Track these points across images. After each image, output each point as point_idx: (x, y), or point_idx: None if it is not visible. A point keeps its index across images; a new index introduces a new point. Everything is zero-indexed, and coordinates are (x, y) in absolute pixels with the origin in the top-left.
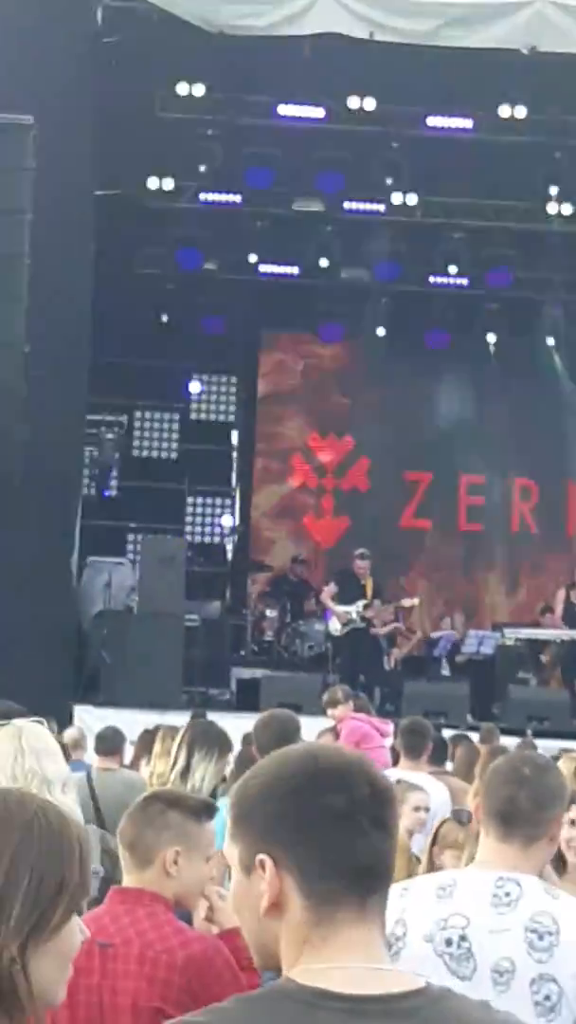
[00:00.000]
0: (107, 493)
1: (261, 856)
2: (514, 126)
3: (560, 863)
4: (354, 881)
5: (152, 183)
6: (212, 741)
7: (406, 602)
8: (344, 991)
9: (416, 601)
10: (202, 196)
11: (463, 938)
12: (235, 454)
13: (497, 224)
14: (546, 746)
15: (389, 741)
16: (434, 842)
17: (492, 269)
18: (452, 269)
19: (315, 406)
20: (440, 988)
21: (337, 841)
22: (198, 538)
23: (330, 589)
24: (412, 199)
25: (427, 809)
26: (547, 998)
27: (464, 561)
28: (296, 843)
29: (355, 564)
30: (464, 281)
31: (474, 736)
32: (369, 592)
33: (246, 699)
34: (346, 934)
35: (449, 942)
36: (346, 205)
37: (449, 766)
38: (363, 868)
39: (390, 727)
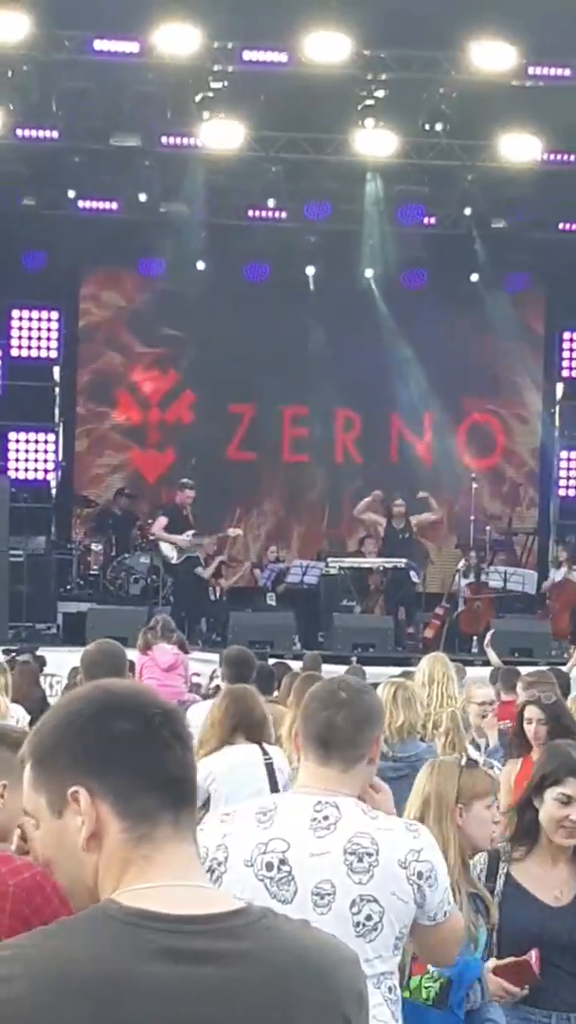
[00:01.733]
0: None
1: (74, 788)
2: (327, 58)
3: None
4: (167, 793)
5: None
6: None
7: (231, 532)
8: (167, 911)
9: (239, 531)
10: (19, 132)
11: (283, 862)
12: (58, 390)
13: (314, 157)
14: (372, 673)
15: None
16: None
17: (310, 202)
18: (270, 202)
19: (137, 341)
20: (260, 908)
21: (145, 757)
22: (21, 474)
23: (161, 521)
24: (230, 133)
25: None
26: (368, 918)
27: (288, 492)
28: (105, 768)
29: (179, 495)
30: (283, 214)
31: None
32: (192, 521)
33: (72, 633)
34: (167, 851)
35: (270, 866)
36: (164, 140)
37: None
38: (174, 779)
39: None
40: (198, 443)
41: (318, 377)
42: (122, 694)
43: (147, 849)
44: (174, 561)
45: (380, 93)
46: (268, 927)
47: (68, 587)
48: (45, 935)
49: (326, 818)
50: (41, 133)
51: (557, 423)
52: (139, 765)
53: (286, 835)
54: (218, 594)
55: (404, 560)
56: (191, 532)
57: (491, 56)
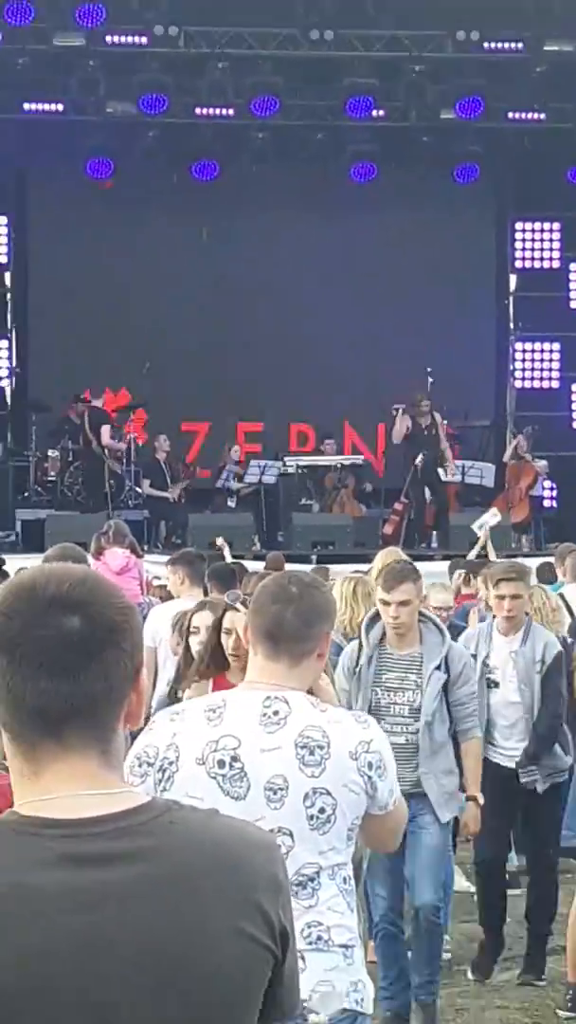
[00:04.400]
0: None
1: None
2: None
3: None
4: (35, 724)
5: None
6: None
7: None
8: (64, 816)
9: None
10: None
11: (235, 759)
12: (9, 295)
13: (260, 52)
14: (333, 571)
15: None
16: None
17: (258, 97)
18: (218, 99)
19: (88, 240)
20: (164, 802)
21: (11, 684)
22: None
23: (106, 430)
24: (174, 30)
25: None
26: (321, 811)
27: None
28: None
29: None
30: (231, 111)
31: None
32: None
33: (31, 540)
34: (55, 768)
35: (222, 763)
36: (108, 39)
37: None
38: (41, 709)
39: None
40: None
41: (270, 270)
42: (37, 599)
43: (35, 765)
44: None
45: None
46: (171, 821)
47: (26, 494)
48: None
49: (276, 712)
50: None
51: (511, 314)
52: (7, 689)
53: (236, 731)
54: (177, 497)
55: (361, 457)
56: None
57: None
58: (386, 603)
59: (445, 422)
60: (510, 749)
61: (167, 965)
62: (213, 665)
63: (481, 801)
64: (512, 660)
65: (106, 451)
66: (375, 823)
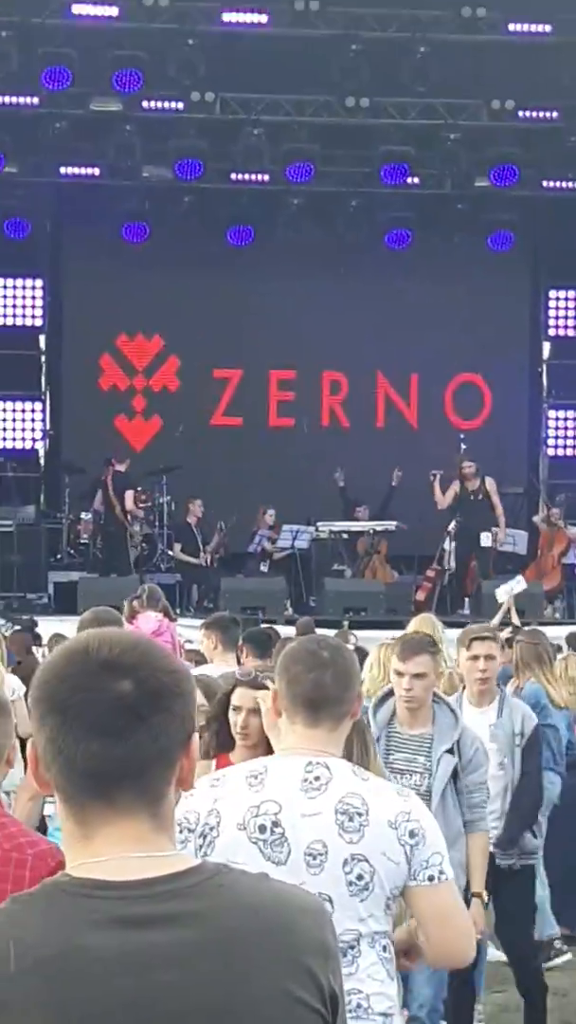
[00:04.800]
0: None
1: (29, 748)
2: (309, 19)
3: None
4: (86, 785)
5: None
6: None
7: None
8: (115, 879)
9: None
10: (0, 98)
11: (276, 824)
12: (43, 358)
13: (296, 119)
14: (364, 636)
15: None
16: None
17: (293, 163)
18: (253, 165)
19: (122, 307)
20: (214, 865)
21: (63, 746)
22: (9, 444)
23: (129, 494)
24: (210, 96)
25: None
26: (360, 877)
27: (275, 456)
28: (41, 743)
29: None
30: (266, 177)
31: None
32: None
33: (63, 602)
34: (105, 831)
35: (263, 828)
36: (144, 104)
37: None
38: (91, 772)
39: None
40: (184, 410)
41: (304, 339)
42: (92, 662)
43: (86, 829)
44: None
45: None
46: (220, 884)
47: (58, 556)
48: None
49: (317, 779)
50: (22, 99)
51: (545, 382)
52: (57, 751)
53: (278, 797)
54: (209, 561)
55: (395, 523)
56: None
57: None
58: (400, 674)
59: (496, 486)
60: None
61: None
62: (217, 744)
63: (486, 899)
64: (491, 734)
65: (128, 516)
66: (421, 902)
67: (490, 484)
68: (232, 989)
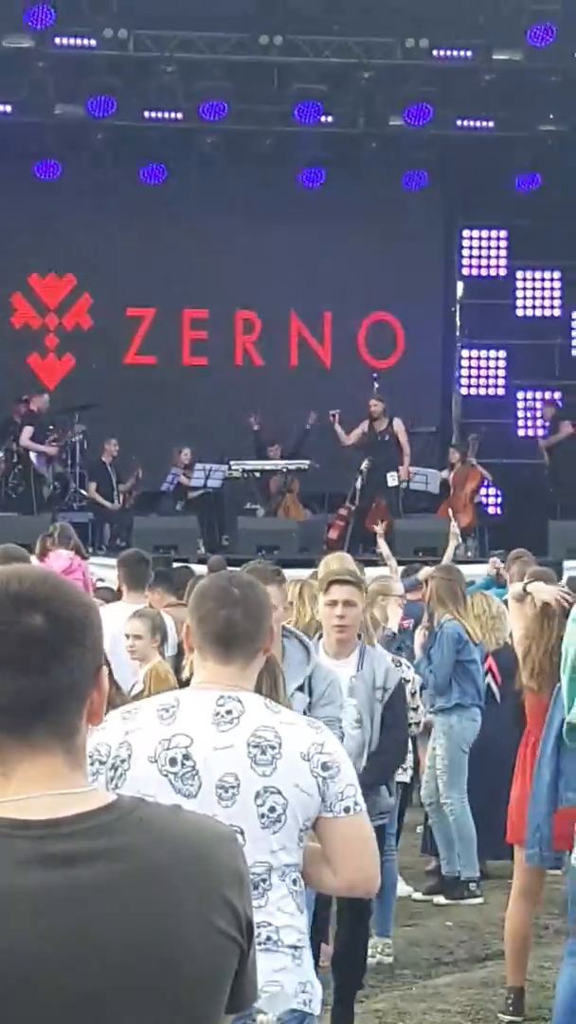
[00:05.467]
0: None
1: None
2: None
3: None
4: (1, 722)
5: None
6: None
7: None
8: (34, 818)
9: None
10: None
11: (187, 757)
12: None
13: (209, 57)
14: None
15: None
16: None
17: (206, 102)
18: (166, 103)
19: (34, 245)
20: (132, 800)
21: None
22: None
23: (27, 431)
24: (123, 33)
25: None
26: (272, 810)
27: (189, 396)
28: None
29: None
30: (179, 115)
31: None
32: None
33: None
34: (21, 769)
35: (174, 761)
36: (56, 41)
37: None
38: (6, 714)
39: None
40: (97, 348)
41: (217, 278)
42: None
43: (3, 768)
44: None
45: None
46: (140, 819)
47: None
48: None
49: (229, 712)
50: None
51: (458, 322)
52: None
53: (189, 730)
54: (123, 500)
55: (307, 462)
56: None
57: None
58: (333, 603)
59: (410, 422)
60: None
61: (143, 959)
62: None
63: None
64: (350, 687)
65: (28, 452)
66: (329, 829)
67: (397, 424)
68: (158, 921)
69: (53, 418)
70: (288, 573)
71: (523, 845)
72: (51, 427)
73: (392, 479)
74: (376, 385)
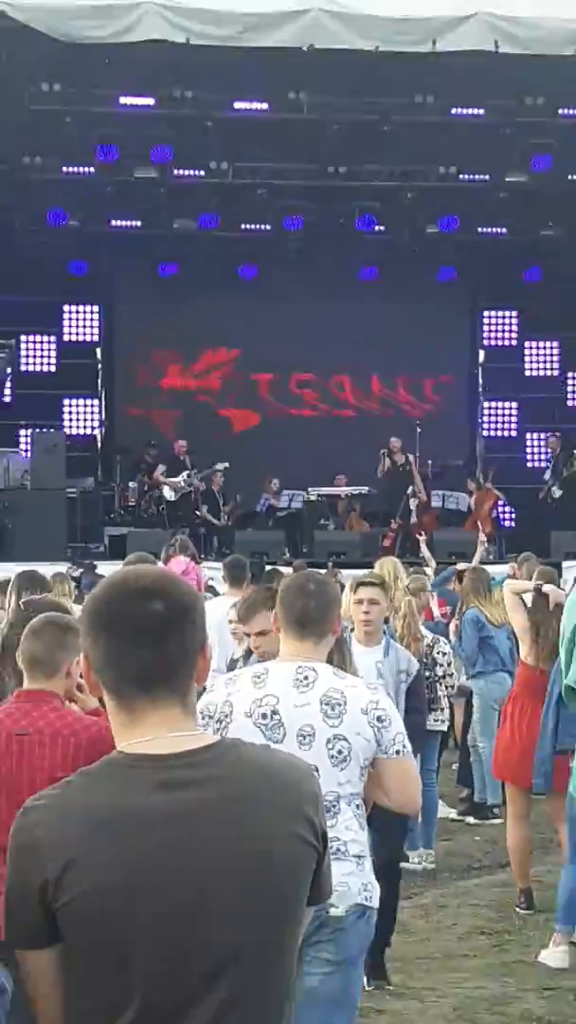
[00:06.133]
0: (2, 399)
1: (79, 656)
2: (299, 106)
3: None
4: (133, 685)
5: (26, 160)
6: (35, 583)
7: (219, 466)
8: (158, 752)
9: (226, 464)
10: (64, 169)
11: (275, 712)
12: (100, 366)
13: (290, 182)
14: (346, 574)
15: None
16: None
17: (288, 217)
18: (258, 218)
19: (158, 326)
20: (231, 740)
21: (113, 656)
22: (74, 430)
23: (159, 469)
24: (224, 165)
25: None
26: (339, 752)
27: (277, 439)
28: (95, 654)
29: (177, 446)
30: (268, 227)
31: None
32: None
33: (115, 551)
34: (149, 718)
35: (264, 716)
36: (174, 172)
37: None
38: (146, 675)
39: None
40: (206, 404)
41: (287, 350)
42: (130, 588)
43: (131, 716)
44: (171, 499)
45: (337, 129)
46: (238, 756)
47: (111, 516)
48: (71, 784)
49: (306, 678)
50: (81, 169)
51: (481, 380)
52: (112, 666)
53: (276, 692)
54: (226, 519)
55: (366, 488)
56: (186, 472)
57: (420, 101)
58: (359, 602)
59: (416, 458)
60: None
61: (242, 862)
62: None
63: None
64: (377, 671)
65: (160, 487)
66: (384, 767)
67: (411, 458)
68: (252, 833)
69: (181, 460)
70: (353, 573)
71: (512, 781)
72: (189, 468)
73: (412, 501)
74: (419, 430)
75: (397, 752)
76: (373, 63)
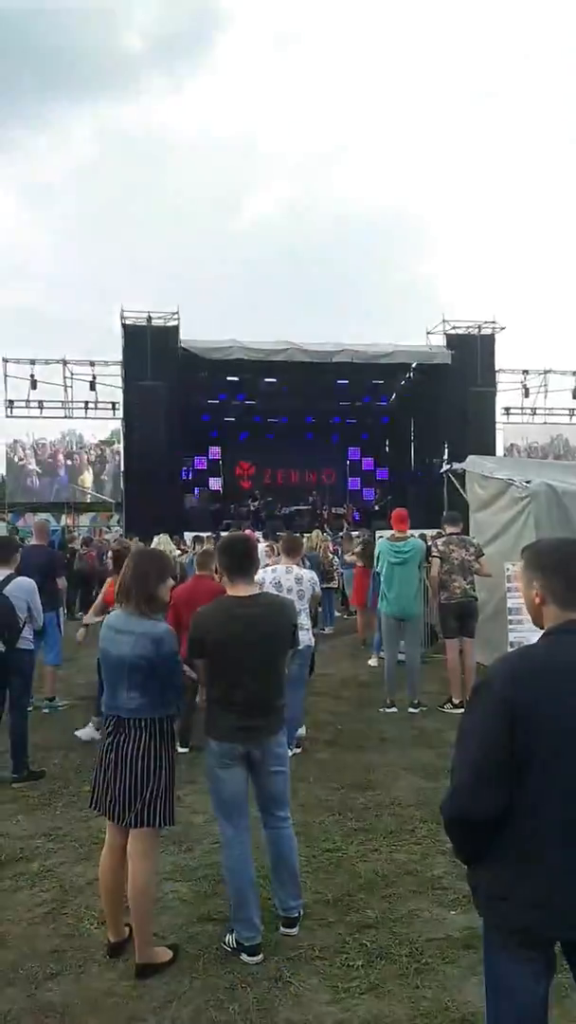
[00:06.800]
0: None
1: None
2: None
3: None
4: (231, 566)
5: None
6: (200, 540)
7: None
8: (239, 595)
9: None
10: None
11: (279, 584)
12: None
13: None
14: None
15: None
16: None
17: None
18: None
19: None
20: (264, 592)
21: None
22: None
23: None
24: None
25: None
26: (300, 594)
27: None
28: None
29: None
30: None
31: None
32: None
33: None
34: (236, 583)
35: (275, 583)
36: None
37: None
38: (239, 566)
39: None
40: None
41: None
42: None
43: (232, 582)
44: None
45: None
46: (268, 598)
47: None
48: (204, 609)
49: (288, 570)
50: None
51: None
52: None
53: (278, 575)
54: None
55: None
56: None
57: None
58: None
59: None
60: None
61: (273, 631)
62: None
63: None
64: (298, 576)
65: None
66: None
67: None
68: (274, 624)
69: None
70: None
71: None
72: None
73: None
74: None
75: (314, 588)
76: None
